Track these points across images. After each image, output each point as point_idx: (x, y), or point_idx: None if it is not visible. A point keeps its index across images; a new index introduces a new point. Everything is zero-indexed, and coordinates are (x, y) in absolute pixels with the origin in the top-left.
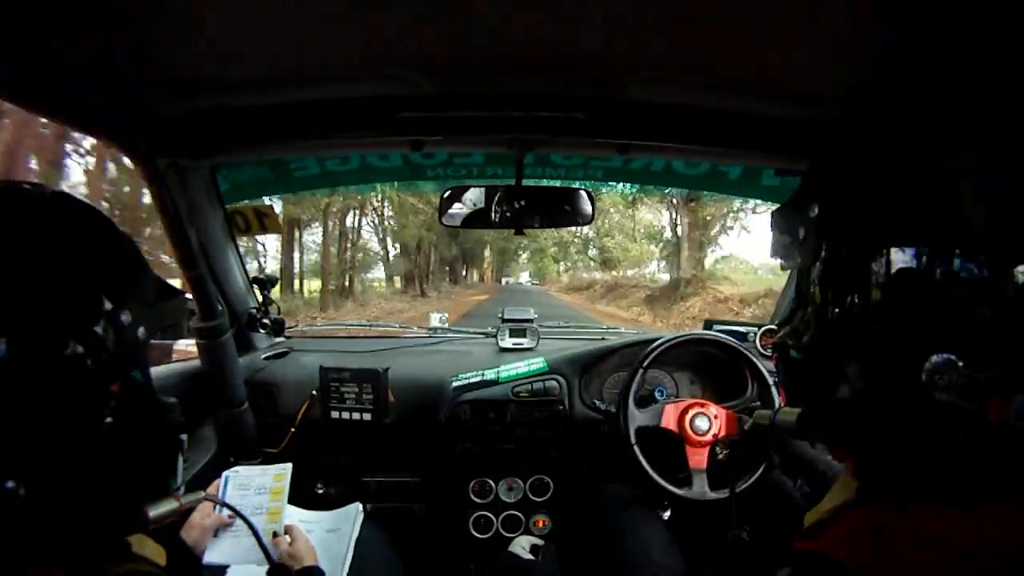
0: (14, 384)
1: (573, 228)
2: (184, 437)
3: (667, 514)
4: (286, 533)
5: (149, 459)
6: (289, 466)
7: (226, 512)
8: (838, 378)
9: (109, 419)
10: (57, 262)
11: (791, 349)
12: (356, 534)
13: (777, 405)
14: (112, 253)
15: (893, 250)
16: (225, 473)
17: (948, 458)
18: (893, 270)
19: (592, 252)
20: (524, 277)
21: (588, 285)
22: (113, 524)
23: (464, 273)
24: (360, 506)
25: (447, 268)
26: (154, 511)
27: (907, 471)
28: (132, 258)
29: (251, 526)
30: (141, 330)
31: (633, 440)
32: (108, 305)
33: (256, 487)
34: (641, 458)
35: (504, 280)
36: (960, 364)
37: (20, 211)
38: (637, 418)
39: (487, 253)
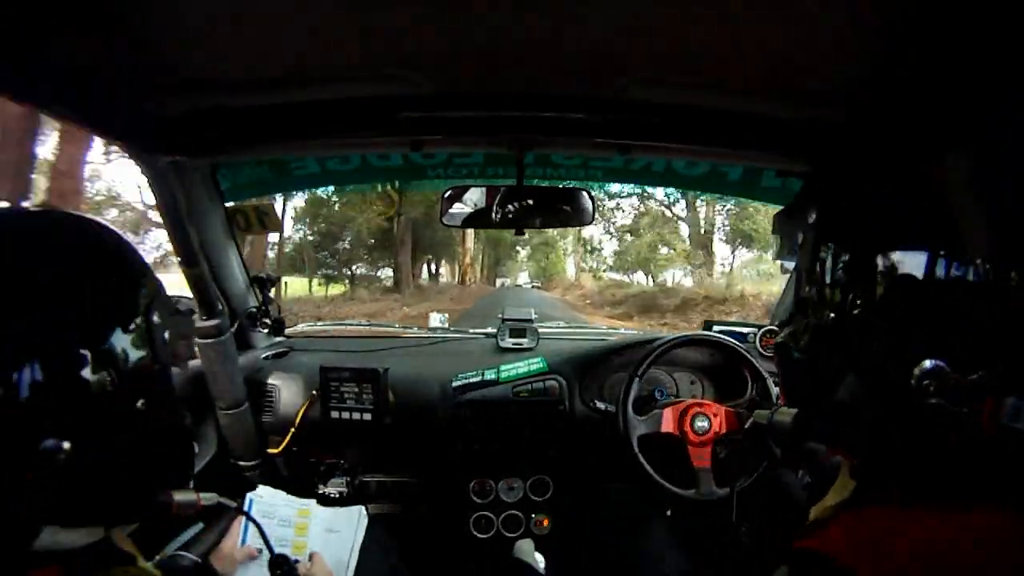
0: (51, 379)
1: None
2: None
3: (668, 512)
4: (309, 559)
5: (171, 448)
6: (313, 504)
7: (254, 546)
8: (836, 380)
9: (141, 401)
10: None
11: (792, 350)
12: (360, 541)
13: (776, 405)
14: (141, 261)
15: (889, 252)
16: (249, 495)
17: (943, 460)
18: (889, 272)
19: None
20: (523, 278)
21: (681, 305)
22: (144, 500)
23: (434, 269)
24: (363, 510)
25: (390, 262)
26: (178, 496)
27: (905, 472)
28: (152, 273)
29: (262, 533)
30: (166, 333)
31: (636, 449)
32: (144, 301)
33: (280, 518)
34: (647, 466)
35: (500, 281)
36: (949, 370)
37: (44, 231)
38: (638, 427)
39: (470, 243)
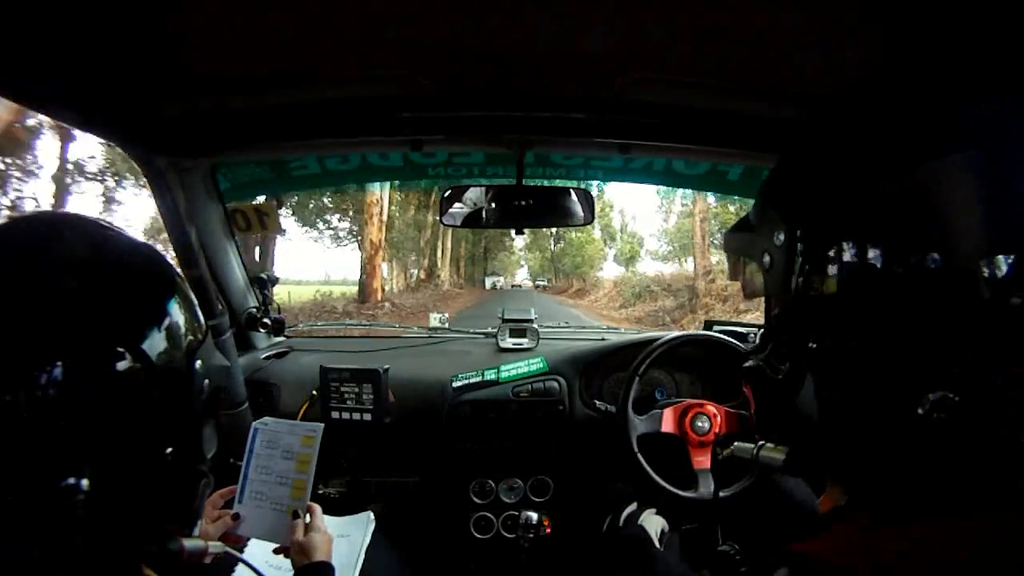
0: (81, 398)
1: None
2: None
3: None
4: (308, 513)
5: (187, 496)
6: (320, 427)
7: (235, 512)
8: (828, 411)
9: (169, 449)
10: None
11: (770, 378)
12: (368, 542)
13: (757, 442)
14: (196, 310)
15: (885, 266)
16: (254, 424)
17: (941, 472)
18: (888, 289)
19: None
20: (521, 276)
21: None
22: (152, 541)
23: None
24: (371, 514)
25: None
26: (188, 544)
27: (902, 491)
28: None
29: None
30: (206, 382)
31: (636, 449)
32: (187, 349)
33: (283, 448)
34: (646, 466)
35: (491, 281)
36: (956, 399)
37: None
38: (638, 427)
39: (379, 194)
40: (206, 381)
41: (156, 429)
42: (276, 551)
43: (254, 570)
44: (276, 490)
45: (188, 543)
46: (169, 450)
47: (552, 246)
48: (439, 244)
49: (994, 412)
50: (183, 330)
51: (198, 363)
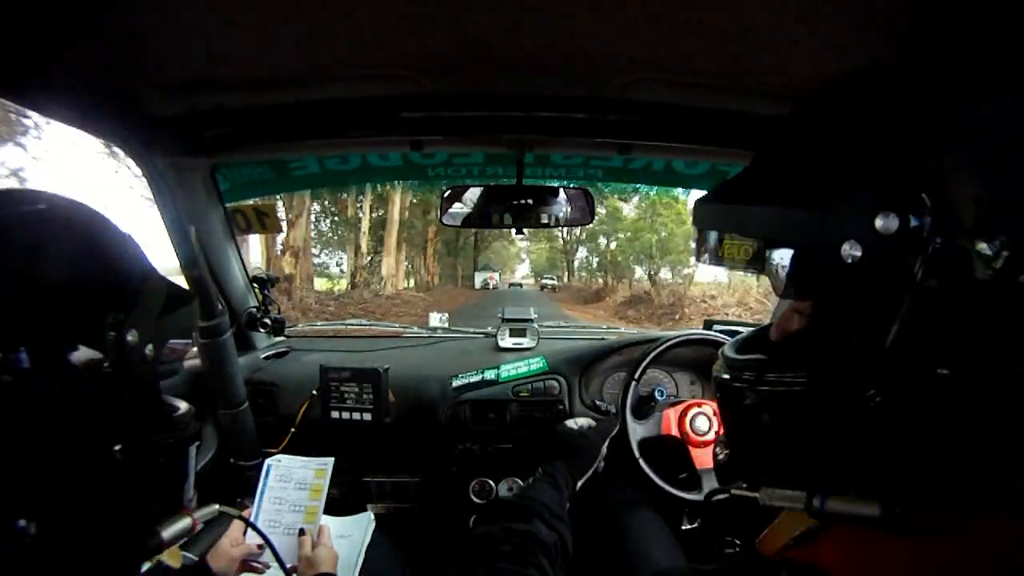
0: (21, 401)
1: None
2: (195, 446)
3: (685, 526)
4: (318, 531)
5: (159, 478)
6: (331, 461)
7: (253, 540)
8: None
9: (118, 446)
10: (61, 273)
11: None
12: (367, 542)
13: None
14: (120, 267)
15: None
16: (268, 462)
17: (945, 473)
18: None
19: None
20: (522, 272)
21: None
22: (127, 550)
23: None
24: (372, 515)
25: None
26: (168, 532)
27: (911, 499)
28: (141, 271)
29: (275, 553)
30: (148, 347)
31: (637, 454)
32: (113, 322)
33: (297, 481)
34: (649, 471)
35: (481, 279)
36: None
37: (25, 220)
38: (638, 431)
39: None
40: (147, 347)
41: (92, 415)
42: (288, 570)
43: (257, 531)
44: (289, 517)
45: (169, 530)
46: (117, 448)
47: (565, 234)
48: (370, 217)
49: (996, 413)
50: (106, 306)
51: (130, 336)
